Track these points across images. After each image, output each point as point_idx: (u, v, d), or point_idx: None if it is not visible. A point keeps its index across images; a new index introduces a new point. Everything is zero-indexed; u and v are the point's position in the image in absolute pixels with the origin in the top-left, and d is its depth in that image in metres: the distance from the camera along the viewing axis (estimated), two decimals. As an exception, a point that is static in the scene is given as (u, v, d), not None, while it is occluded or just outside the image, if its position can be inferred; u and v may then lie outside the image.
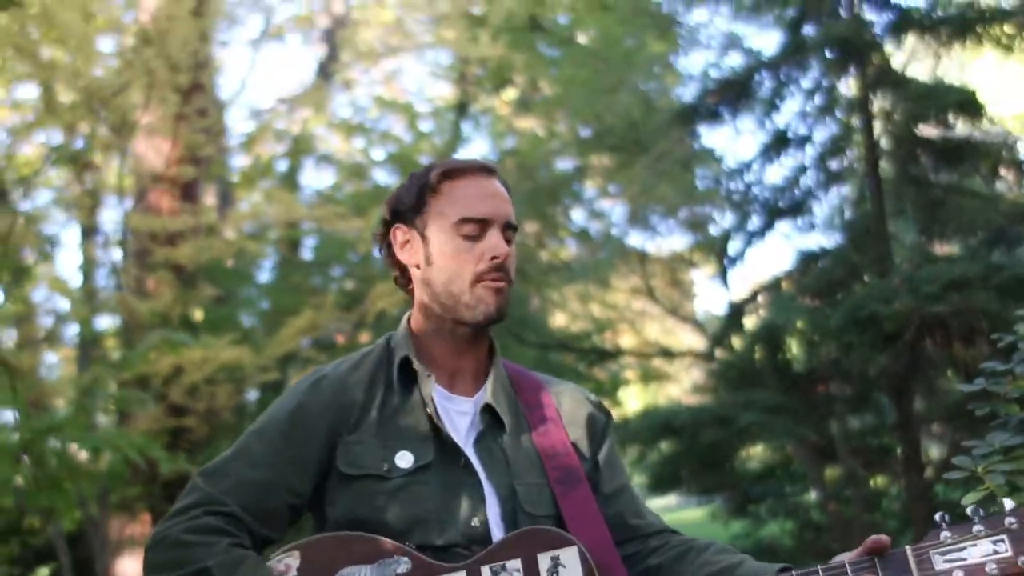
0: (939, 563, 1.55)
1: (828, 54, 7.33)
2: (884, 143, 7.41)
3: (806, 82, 7.82)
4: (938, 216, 7.14)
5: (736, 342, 8.55)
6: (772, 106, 8.12)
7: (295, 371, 8.87)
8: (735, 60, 10.51)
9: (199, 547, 1.63)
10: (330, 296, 8.53)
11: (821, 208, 8.38)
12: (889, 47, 7.51)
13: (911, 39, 7.53)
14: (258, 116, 10.81)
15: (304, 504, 1.77)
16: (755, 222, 8.30)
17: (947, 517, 1.61)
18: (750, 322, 8.53)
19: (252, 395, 9.56)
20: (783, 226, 8.72)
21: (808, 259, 7.91)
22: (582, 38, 11.58)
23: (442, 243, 1.80)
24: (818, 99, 7.87)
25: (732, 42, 10.70)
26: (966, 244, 7.21)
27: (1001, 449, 2.36)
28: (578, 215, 12.74)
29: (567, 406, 1.91)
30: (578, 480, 1.79)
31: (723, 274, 8.93)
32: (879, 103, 7.36)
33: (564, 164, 12.01)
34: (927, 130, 7.16)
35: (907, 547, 1.59)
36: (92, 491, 5.33)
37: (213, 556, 1.61)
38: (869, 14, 7.41)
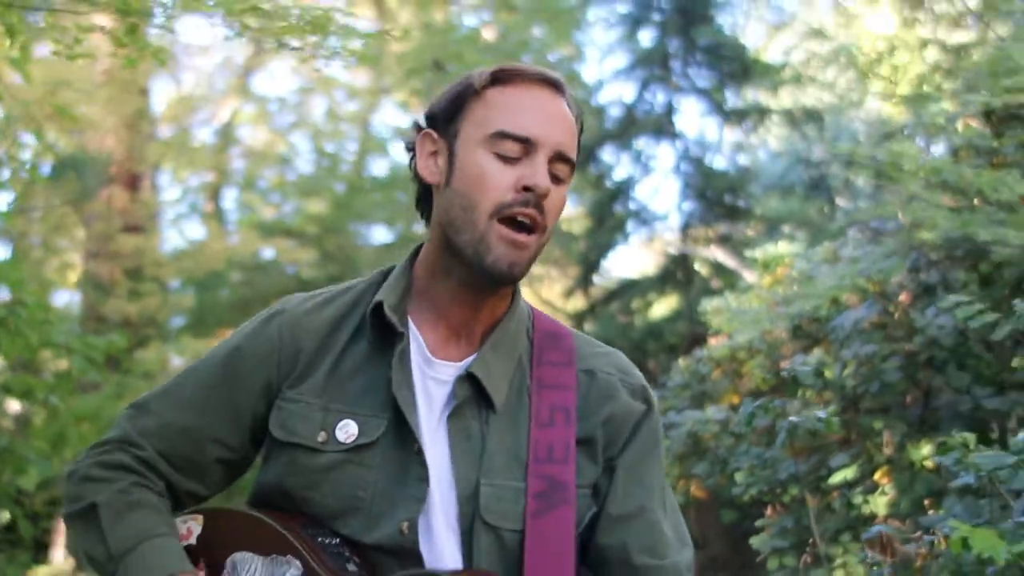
0: None
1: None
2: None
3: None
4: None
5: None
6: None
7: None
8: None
9: (99, 483, 1.47)
10: None
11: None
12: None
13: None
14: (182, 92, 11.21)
15: (240, 460, 1.52)
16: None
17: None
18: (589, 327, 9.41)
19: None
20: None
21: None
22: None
23: (470, 159, 1.40)
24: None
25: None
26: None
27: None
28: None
29: (593, 388, 1.47)
30: (563, 500, 1.39)
31: (585, 279, 10.27)
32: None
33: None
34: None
35: None
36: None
37: (106, 493, 1.45)
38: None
